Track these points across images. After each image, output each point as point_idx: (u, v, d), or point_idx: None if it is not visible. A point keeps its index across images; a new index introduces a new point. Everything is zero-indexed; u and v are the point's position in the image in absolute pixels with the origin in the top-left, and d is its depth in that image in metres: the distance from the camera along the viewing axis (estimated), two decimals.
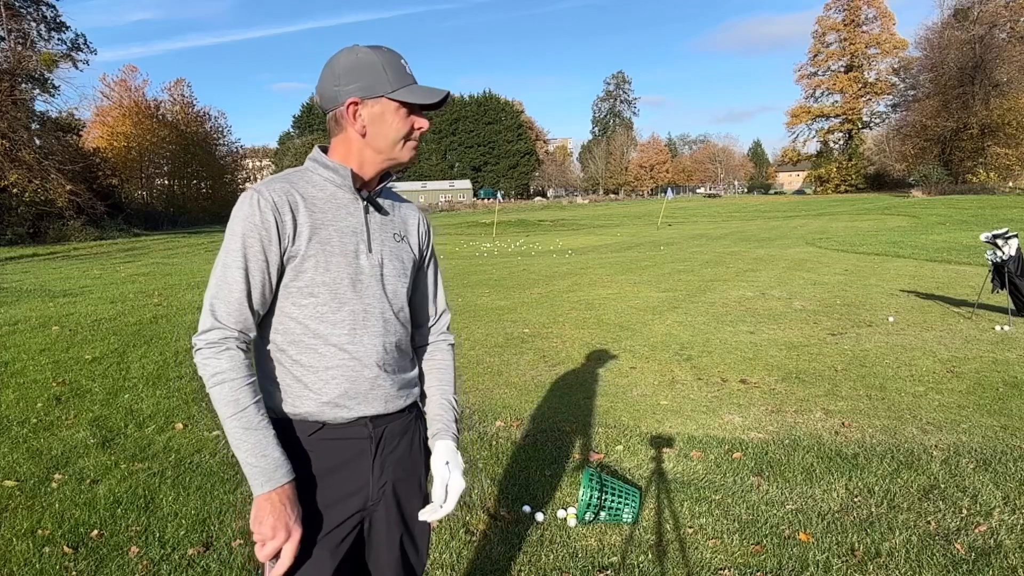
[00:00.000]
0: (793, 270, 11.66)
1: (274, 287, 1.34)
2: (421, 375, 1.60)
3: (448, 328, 1.66)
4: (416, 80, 1.40)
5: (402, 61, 1.39)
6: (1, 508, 3.20)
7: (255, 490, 1.25)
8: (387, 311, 1.42)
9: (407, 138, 1.39)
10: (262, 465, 1.25)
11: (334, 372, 1.36)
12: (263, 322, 1.37)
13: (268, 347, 1.37)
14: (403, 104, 1.37)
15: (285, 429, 1.35)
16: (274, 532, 1.25)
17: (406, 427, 1.52)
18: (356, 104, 1.36)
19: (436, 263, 1.65)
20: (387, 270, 1.43)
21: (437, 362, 1.62)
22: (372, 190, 1.43)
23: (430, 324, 1.62)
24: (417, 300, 1.58)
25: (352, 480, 1.40)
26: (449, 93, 1.39)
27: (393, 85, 1.36)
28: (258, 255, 1.30)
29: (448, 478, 1.48)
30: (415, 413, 1.57)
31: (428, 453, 1.59)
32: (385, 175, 1.46)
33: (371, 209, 1.43)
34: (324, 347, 1.35)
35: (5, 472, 3.63)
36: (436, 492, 1.46)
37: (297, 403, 1.35)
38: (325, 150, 1.44)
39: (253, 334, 1.33)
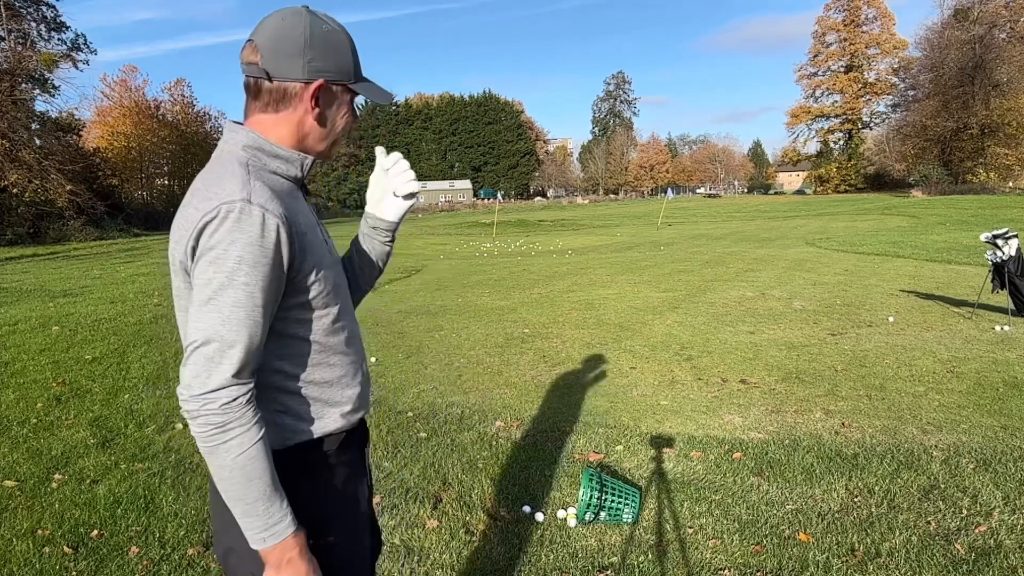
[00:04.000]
0: (793, 270, 11.66)
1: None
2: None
3: None
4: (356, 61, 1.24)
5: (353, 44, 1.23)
6: (1, 508, 3.21)
7: (260, 540, 1.11)
8: (351, 302, 1.37)
9: (343, 134, 1.24)
10: (282, 512, 1.12)
11: (348, 380, 1.27)
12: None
13: (272, 378, 1.19)
14: (352, 99, 1.22)
15: (312, 450, 1.24)
16: None
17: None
18: (323, 87, 1.18)
19: None
20: (335, 254, 1.31)
21: None
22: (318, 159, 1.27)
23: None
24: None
25: (363, 481, 1.36)
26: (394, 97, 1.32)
27: (356, 75, 1.21)
28: (274, 288, 1.10)
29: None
30: None
31: None
32: None
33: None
34: (334, 357, 1.25)
35: (5, 472, 3.63)
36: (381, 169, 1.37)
37: (320, 424, 1.24)
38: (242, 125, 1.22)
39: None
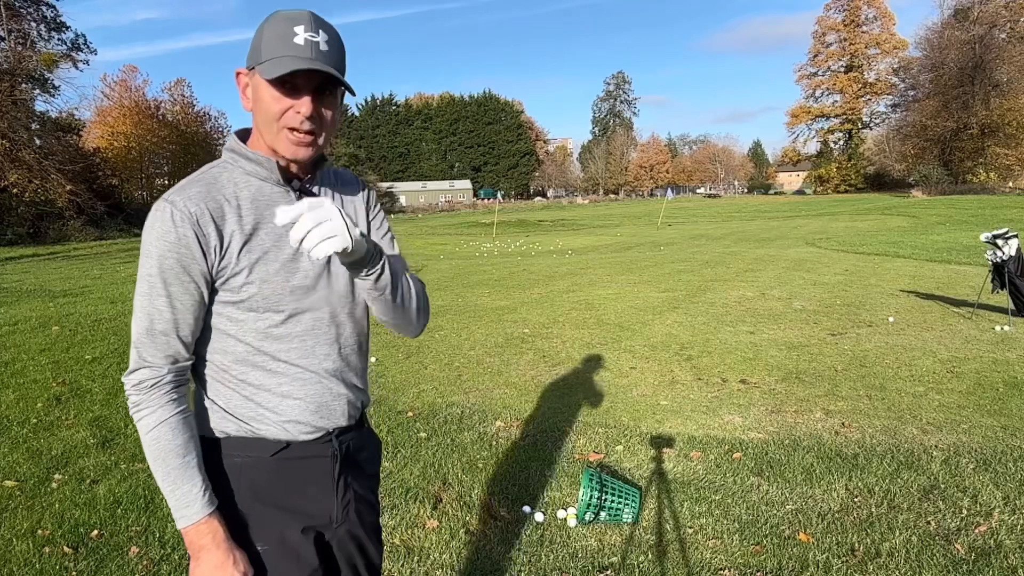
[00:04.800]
0: (793, 270, 11.66)
1: (206, 307, 1.18)
2: None
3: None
4: (314, 54, 1.11)
5: (297, 28, 1.11)
6: (1, 508, 3.20)
7: (185, 517, 1.14)
8: (339, 314, 1.27)
9: (281, 124, 1.14)
10: (193, 495, 1.14)
11: (290, 388, 1.23)
12: (199, 341, 1.21)
13: (206, 368, 1.23)
14: (271, 80, 1.11)
15: (245, 447, 1.22)
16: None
17: (364, 439, 1.39)
18: (239, 74, 1.19)
19: (391, 235, 1.41)
20: (335, 267, 1.25)
21: None
22: (303, 178, 1.24)
23: None
24: None
25: (318, 499, 1.28)
26: (321, 71, 1.10)
27: (265, 55, 1.12)
28: (181, 277, 1.12)
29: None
30: (367, 423, 1.45)
31: (378, 467, 1.48)
32: (320, 159, 1.26)
33: None
34: (274, 363, 1.21)
35: (5, 472, 3.63)
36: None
37: (255, 424, 1.22)
38: (245, 135, 1.25)
39: (189, 362, 1.19)
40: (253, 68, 1.15)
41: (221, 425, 1.23)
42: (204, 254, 1.13)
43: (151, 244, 1.12)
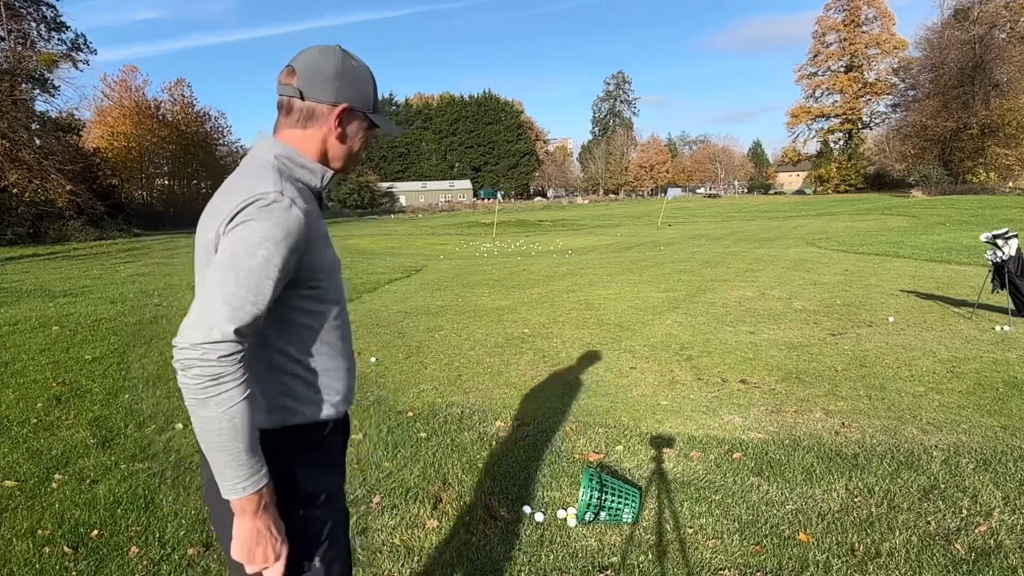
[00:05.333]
0: (793, 270, 11.66)
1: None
2: None
3: None
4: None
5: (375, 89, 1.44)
6: (1, 508, 3.20)
7: (236, 490, 1.19)
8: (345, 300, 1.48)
9: (357, 157, 1.43)
10: (261, 463, 1.22)
11: (342, 373, 1.41)
12: (266, 332, 1.28)
13: (275, 358, 1.31)
14: (370, 126, 1.41)
15: (308, 432, 1.36)
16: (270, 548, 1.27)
17: None
18: (348, 110, 1.36)
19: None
20: (338, 259, 1.45)
21: None
22: (336, 175, 1.44)
23: None
24: None
25: (341, 465, 1.50)
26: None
27: (375, 106, 1.40)
28: (286, 266, 1.22)
29: None
30: None
31: None
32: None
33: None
34: (332, 350, 1.39)
35: (5, 472, 3.63)
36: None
37: (316, 409, 1.36)
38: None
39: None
40: (363, 111, 1.38)
41: (284, 415, 1.33)
42: (304, 252, 1.26)
43: (273, 227, 1.19)
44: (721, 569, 2.61)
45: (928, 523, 2.90)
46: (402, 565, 2.70)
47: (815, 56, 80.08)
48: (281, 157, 1.33)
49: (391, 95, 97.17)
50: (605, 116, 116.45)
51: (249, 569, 1.25)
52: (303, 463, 1.35)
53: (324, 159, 1.38)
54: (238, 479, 1.18)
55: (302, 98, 1.34)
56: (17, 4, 32.62)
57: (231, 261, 1.18)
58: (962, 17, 54.84)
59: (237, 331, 1.15)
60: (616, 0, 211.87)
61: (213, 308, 1.16)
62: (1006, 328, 6.55)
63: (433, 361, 5.98)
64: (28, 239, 26.90)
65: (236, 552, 1.23)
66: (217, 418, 1.15)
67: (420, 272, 13.57)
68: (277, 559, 1.25)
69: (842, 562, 2.63)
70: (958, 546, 2.71)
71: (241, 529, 1.22)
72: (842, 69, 78.38)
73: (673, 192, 40.99)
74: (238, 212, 1.20)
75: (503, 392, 5.02)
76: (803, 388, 4.93)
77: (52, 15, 34.97)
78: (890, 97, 73.47)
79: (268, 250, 1.18)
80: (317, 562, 1.34)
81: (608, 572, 2.63)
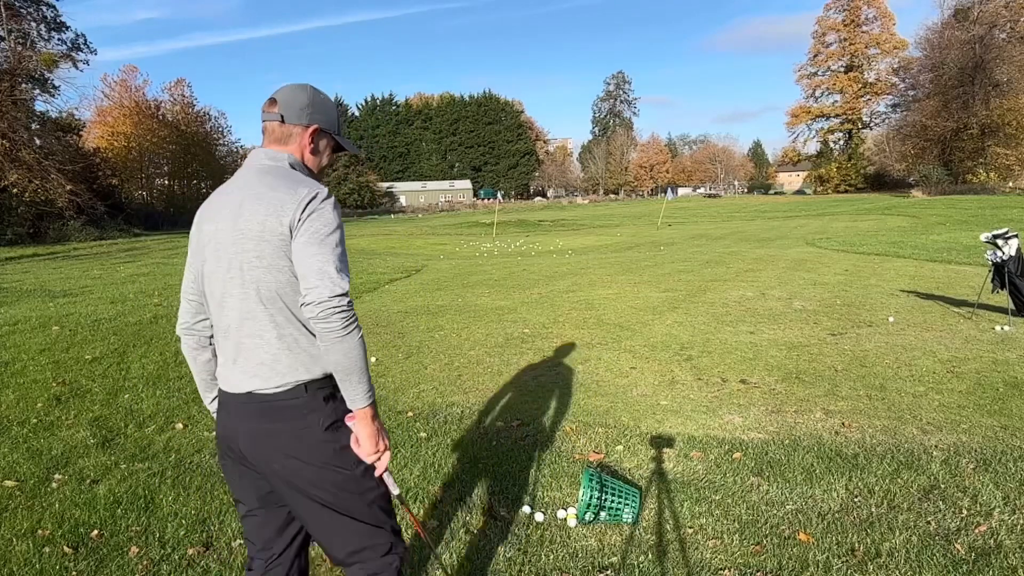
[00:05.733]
0: (793, 270, 11.66)
1: None
2: None
3: None
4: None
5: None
6: (1, 508, 3.21)
7: (363, 400, 1.59)
8: None
9: (327, 166, 1.85)
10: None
11: None
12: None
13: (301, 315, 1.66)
14: (335, 145, 1.82)
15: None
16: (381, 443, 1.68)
17: None
18: (318, 131, 1.75)
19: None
20: None
21: None
22: None
23: None
24: None
25: None
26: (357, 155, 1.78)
27: (339, 130, 1.81)
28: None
29: None
30: None
31: None
32: None
33: None
34: None
35: (5, 472, 3.63)
36: None
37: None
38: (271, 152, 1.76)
39: None
40: (330, 132, 1.78)
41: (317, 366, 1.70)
42: None
43: (334, 213, 1.61)
44: (721, 569, 2.61)
45: (928, 523, 2.90)
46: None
47: (815, 56, 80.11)
48: (298, 164, 1.74)
49: (391, 95, 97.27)
50: (605, 116, 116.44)
51: (370, 458, 1.64)
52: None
53: (306, 168, 1.76)
54: (367, 391, 1.59)
55: (283, 122, 1.72)
56: (17, 4, 32.63)
57: (327, 238, 1.56)
58: (962, 17, 54.84)
59: (347, 285, 1.56)
60: (616, 0, 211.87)
61: (328, 271, 1.53)
62: (1006, 328, 6.55)
63: (433, 361, 5.98)
64: (28, 239, 26.91)
65: (364, 445, 1.62)
66: (355, 345, 1.54)
67: (420, 272, 13.57)
68: (387, 449, 1.66)
69: (842, 562, 2.63)
70: (958, 546, 2.71)
71: (365, 429, 1.61)
72: (842, 69, 78.40)
73: (683, 191, 40.77)
74: (310, 201, 1.58)
75: (503, 392, 5.02)
76: (803, 388, 4.93)
77: (52, 15, 35.02)
78: (890, 97, 73.57)
79: (338, 228, 1.60)
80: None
81: (608, 572, 2.63)
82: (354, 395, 1.58)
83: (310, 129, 1.73)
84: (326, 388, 1.66)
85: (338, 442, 1.64)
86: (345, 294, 1.53)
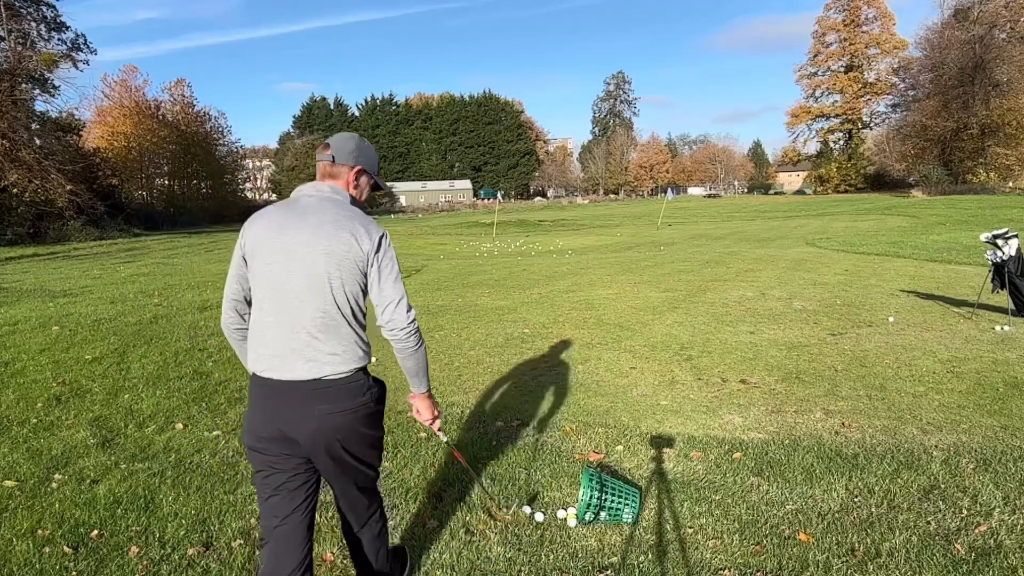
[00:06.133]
0: (793, 270, 11.66)
1: None
2: None
3: None
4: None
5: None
6: (1, 508, 3.21)
7: (424, 388, 2.22)
8: None
9: (367, 201, 2.28)
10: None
11: None
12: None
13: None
14: (374, 184, 2.25)
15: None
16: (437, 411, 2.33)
17: None
18: (361, 171, 2.17)
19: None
20: None
21: None
22: None
23: None
24: None
25: None
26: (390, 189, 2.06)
27: (377, 172, 2.25)
28: None
29: None
30: None
31: None
32: None
33: None
34: None
35: (5, 472, 3.63)
36: None
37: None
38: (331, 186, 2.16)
39: None
40: (370, 172, 2.20)
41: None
42: None
43: (394, 250, 2.07)
44: (721, 569, 2.61)
45: (928, 523, 2.90)
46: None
47: (815, 56, 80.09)
48: (353, 203, 2.12)
49: (391, 95, 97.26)
50: (605, 116, 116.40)
51: (429, 422, 2.30)
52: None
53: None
54: (426, 382, 2.22)
55: (333, 162, 2.12)
56: (17, 4, 32.61)
57: (392, 271, 2.03)
58: (962, 17, 54.83)
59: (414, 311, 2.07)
60: (616, 0, 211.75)
61: (402, 300, 2.02)
62: (1006, 328, 6.55)
63: (433, 361, 5.98)
64: (28, 239, 26.91)
65: (424, 414, 2.28)
66: (423, 355, 2.12)
67: (420, 272, 13.57)
68: (439, 417, 2.34)
69: (842, 562, 2.63)
70: (958, 546, 2.71)
71: (424, 403, 2.26)
72: (842, 69, 78.39)
73: (693, 191, 40.77)
74: (380, 241, 2.02)
75: (503, 392, 5.02)
76: (803, 388, 4.93)
77: (52, 15, 34.98)
78: (890, 97, 73.55)
79: (398, 264, 2.07)
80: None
81: (608, 572, 2.63)
82: (419, 385, 2.20)
83: (355, 169, 2.13)
84: (368, 373, 2.12)
85: (379, 416, 2.14)
86: (415, 320, 2.05)
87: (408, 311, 2.01)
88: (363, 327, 2.07)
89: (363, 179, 2.17)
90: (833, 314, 7.59)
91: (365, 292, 2.03)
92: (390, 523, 3.01)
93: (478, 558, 2.73)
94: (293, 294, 1.95)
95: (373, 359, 6.04)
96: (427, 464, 3.67)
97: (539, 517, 3.02)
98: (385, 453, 3.82)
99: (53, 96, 34.36)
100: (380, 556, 2.28)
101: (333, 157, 2.10)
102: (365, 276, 2.01)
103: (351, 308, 2.00)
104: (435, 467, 3.63)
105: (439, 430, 2.38)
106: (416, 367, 2.12)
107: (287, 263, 1.96)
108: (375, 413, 2.10)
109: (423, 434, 4.11)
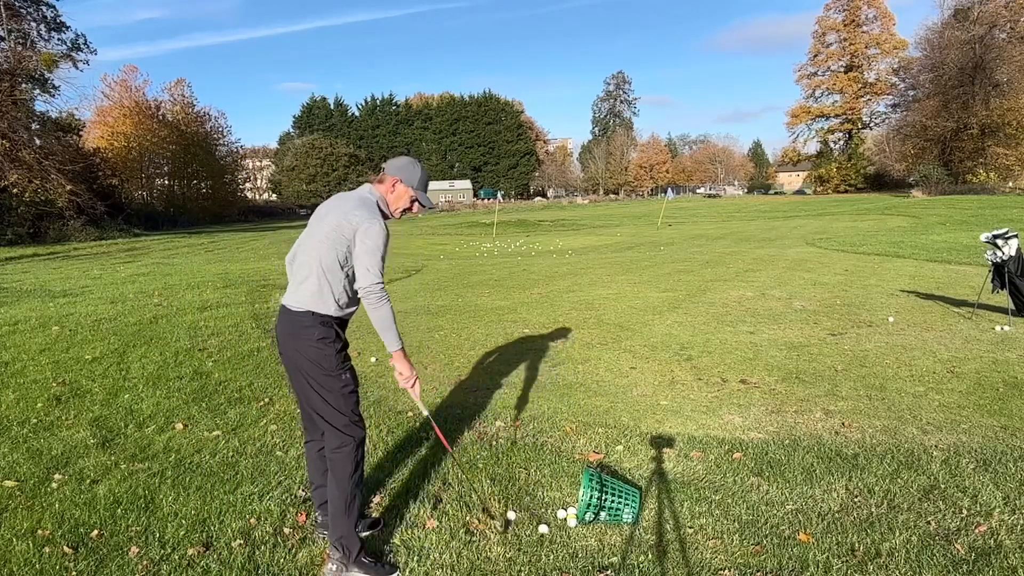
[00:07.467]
0: (793, 270, 11.66)
1: None
2: None
3: None
4: (426, 188, 2.88)
5: (427, 178, 2.88)
6: (1, 508, 3.21)
7: (396, 345, 2.66)
8: None
9: (404, 210, 2.86)
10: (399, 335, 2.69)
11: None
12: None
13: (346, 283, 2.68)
14: (414, 197, 2.83)
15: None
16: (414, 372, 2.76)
17: None
18: (399, 181, 2.79)
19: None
20: None
21: None
22: (394, 218, 2.87)
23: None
24: None
25: None
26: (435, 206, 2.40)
27: (417, 187, 2.82)
28: (385, 253, 2.65)
29: None
30: None
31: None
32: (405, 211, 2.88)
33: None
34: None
35: (5, 472, 3.63)
36: None
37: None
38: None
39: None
40: (409, 186, 2.79)
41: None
42: (385, 243, 2.64)
43: (378, 234, 2.59)
44: (721, 569, 2.61)
45: (928, 523, 2.90)
46: (402, 565, 2.70)
47: (815, 56, 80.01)
48: (382, 202, 2.76)
49: (391, 95, 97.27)
50: (605, 116, 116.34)
51: (406, 383, 2.73)
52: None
53: (386, 204, 2.78)
54: (396, 340, 2.64)
55: (384, 172, 2.81)
56: (17, 4, 32.58)
57: (365, 246, 2.56)
58: (962, 17, 54.78)
59: (380, 277, 2.59)
60: (616, 0, 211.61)
61: (370, 268, 2.56)
62: (1006, 328, 6.55)
63: (433, 361, 5.98)
64: (28, 239, 26.91)
65: (402, 377, 2.71)
66: (386, 312, 2.60)
67: (420, 272, 13.57)
68: (417, 378, 2.76)
69: (842, 562, 2.63)
70: (958, 546, 2.71)
71: (400, 363, 2.70)
72: (842, 69, 78.33)
73: (701, 191, 40.77)
74: (364, 224, 2.58)
75: (503, 392, 5.02)
76: (803, 388, 4.93)
77: (52, 15, 34.91)
78: (890, 97, 73.43)
79: (382, 248, 2.60)
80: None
81: (608, 572, 2.63)
82: (388, 341, 2.65)
83: (394, 180, 2.78)
84: (328, 322, 2.64)
85: (322, 350, 2.62)
86: (379, 282, 2.57)
87: (372, 275, 2.55)
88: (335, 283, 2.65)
89: (399, 187, 2.79)
90: (833, 314, 7.59)
91: (348, 259, 2.62)
92: (390, 523, 3.02)
93: (478, 558, 2.73)
94: (297, 249, 2.76)
95: (372, 359, 6.09)
96: (427, 464, 3.67)
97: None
98: (385, 452, 3.83)
99: (53, 96, 34.32)
100: (335, 501, 2.65)
101: (384, 168, 2.83)
102: (348, 247, 2.59)
103: (327, 267, 2.61)
104: (435, 467, 3.63)
105: (419, 398, 2.72)
106: (381, 323, 2.60)
107: (308, 232, 2.77)
108: (313, 348, 2.62)
109: (423, 434, 4.11)
